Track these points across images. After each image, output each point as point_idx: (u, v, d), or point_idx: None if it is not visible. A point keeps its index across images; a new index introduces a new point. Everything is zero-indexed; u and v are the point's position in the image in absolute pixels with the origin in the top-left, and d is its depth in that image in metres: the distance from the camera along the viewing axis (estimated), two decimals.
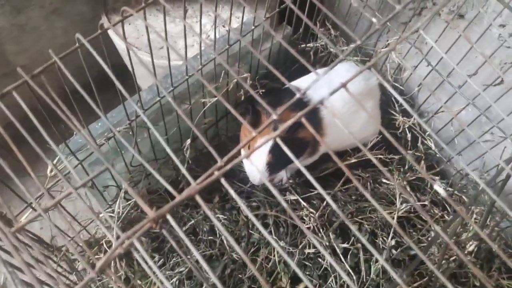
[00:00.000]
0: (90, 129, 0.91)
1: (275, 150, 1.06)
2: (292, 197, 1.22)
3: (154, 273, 0.47)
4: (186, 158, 1.10)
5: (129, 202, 1.15)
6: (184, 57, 0.72)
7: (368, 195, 0.49)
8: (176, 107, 0.54)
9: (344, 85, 0.52)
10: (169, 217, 0.46)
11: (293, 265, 0.45)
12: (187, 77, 0.94)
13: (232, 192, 0.49)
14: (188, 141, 1.07)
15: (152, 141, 1.04)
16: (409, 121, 1.24)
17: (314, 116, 1.11)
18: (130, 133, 0.95)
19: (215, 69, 1.04)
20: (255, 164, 1.04)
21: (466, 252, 1.01)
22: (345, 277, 0.44)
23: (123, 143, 0.52)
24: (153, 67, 0.81)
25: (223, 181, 0.49)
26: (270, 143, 1.05)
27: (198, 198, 0.48)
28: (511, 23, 0.97)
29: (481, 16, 1.02)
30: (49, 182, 0.91)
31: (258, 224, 0.48)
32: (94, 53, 0.56)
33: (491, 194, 0.50)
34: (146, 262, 0.48)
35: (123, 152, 0.99)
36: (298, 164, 0.49)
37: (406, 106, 0.53)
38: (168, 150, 0.51)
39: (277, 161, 1.07)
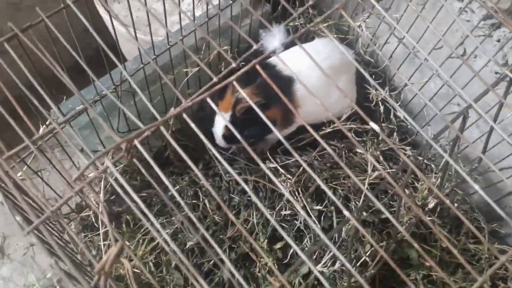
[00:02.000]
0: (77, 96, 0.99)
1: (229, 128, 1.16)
2: (271, 165, 1.30)
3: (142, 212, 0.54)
4: (170, 126, 1.18)
5: (117, 168, 1.23)
6: (165, 26, 0.80)
7: (340, 162, 0.58)
8: (160, 72, 0.62)
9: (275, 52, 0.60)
10: (137, 142, 0.54)
11: (273, 221, 0.53)
12: (168, 46, 1.02)
13: (195, 129, 0.57)
14: (172, 108, 1.15)
15: (138, 109, 1.12)
16: (381, 95, 1.32)
17: (287, 89, 1.19)
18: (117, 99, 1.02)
19: (196, 42, 1.11)
20: (215, 132, 1.18)
21: (426, 210, 1.09)
22: (318, 231, 0.53)
23: (114, 101, 0.60)
24: (135, 32, 0.89)
25: (185, 116, 0.58)
26: (227, 117, 1.16)
27: (162, 129, 0.56)
28: None
29: None
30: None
31: (244, 185, 0.56)
32: (81, 16, 0.63)
33: (439, 149, 0.58)
34: (123, 186, 0.56)
35: (110, 118, 1.07)
36: (247, 147, 0.57)
37: (374, 83, 0.61)
38: (152, 110, 0.59)
39: (232, 135, 1.18)
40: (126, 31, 1.18)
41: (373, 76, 1.36)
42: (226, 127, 1.18)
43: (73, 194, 0.54)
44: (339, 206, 0.55)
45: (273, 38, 0.61)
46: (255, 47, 0.62)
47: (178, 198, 0.53)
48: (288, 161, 1.30)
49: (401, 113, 0.95)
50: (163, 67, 1.13)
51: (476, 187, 0.56)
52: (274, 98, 1.15)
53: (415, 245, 0.56)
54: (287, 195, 0.56)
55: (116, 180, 0.57)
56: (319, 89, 1.23)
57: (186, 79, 1.14)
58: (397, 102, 1.32)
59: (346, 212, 0.54)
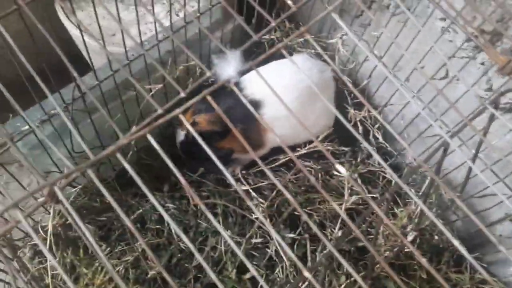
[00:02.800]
0: (26, 114, 0.90)
1: (184, 144, 1.20)
2: (243, 187, 1.22)
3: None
4: (132, 146, 1.09)
5: (75, 188, 1.13)
6: (122, 44, 0.72)
7: (316, 184, 0.50)
8: (132, 79, 0.53)
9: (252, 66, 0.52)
10: (57, 190, 0.46)
11: (239, 253, 0.45)
12: (127, 61, 0.94)
13: (159, 149, 0.49)
14: (134, 127, 1.06)
15: (96, 127, 1.03)
16: (360, 114, 1.25)
17: (251, 114, 1.12)
18: (70, 118, 0.94)
19: (160, 56, 1.03)
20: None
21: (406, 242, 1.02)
22: (290, 254, 0.44)
23: (67, 123, 0.52)
24: (85, 44, 0.80)
25: (149, 136, 0.49)
26: (183, 135, 1.18)
27: (89, 172, 0.47)
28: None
29: (425, 10, 1.04)
30: None
31: (208, 214, 0.48)
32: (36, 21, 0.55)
33: (431, 173, 0.51)
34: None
35: (63, 138, 0.98)
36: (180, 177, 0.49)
37: (360, 98, 0.53)
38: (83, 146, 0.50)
39: (188, 150, 1.21)
40: (90, 42, 1.09)
41: (352, 94, 1.29)
42: (181, 142, 1.21)
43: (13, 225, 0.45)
44: (320, 237, 0.47)
45: (228, 65, 0.53)
46: (208, 74, 0.54)
47: (134, 230, 0.45)
48: (261, 184, 1.23)
49: (393, 133, 0.88)
50: (124, 82, 1.05)
51: (473, 217, 0.49)
52: (234, 125, 1.11)
53: (395, 276, 0.48)
54: (260, 217, 0.48)
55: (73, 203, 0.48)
56: (295, 110, 1.16)
57: (151, 93, 1.05)
58: (377, 123, 1.25)
59: (327, 243, 0.46)
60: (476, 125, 1.07)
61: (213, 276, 0.42)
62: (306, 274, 0.48)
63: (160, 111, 0.52)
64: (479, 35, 0.63)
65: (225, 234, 0.49)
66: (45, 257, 1.13)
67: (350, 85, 0.57)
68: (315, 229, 0.46)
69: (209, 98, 0.52)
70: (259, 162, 0.52)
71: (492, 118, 0.78)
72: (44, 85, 0.58)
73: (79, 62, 1.06)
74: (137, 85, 0.53)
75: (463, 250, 0.48)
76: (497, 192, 0.72)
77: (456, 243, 0.50)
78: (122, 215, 0.45)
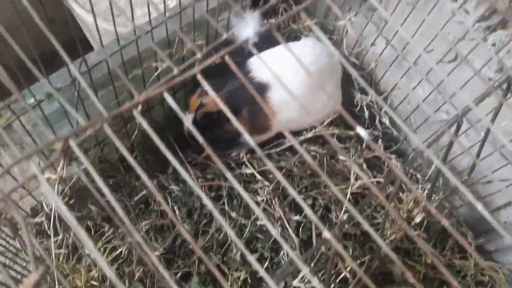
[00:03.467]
0: (32, 89, 0.89)
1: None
2: (248, 171, 1.21)
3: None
4: (138, 125, 1.08)
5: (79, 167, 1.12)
6: (131, 17, 0.71)
7: (321, 172, 0.48)
8: (153, 45, 0.52)
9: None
10: (73, 143, 0.45)
11: (238, 242, 0.44)
12: (135, 37, 0.92)
13: (145, 125, 0.48)
14: (139, 107, 1.04)
15: (104, 103, 1.01)
16: (367, 99, 1.24)
17: (260, 95, 1.11)
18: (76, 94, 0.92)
19: (168, 35, 1.02)
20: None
21: (413, 224, 1.02)
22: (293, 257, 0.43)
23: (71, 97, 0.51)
24: (96, 23, 0.79)
25: (165, 94, 0.48)
26: (190, 118, 1.17)
27: (106, 127, 0.46)
28: None
29: None
30: None
31: (205, 199, 0.47)
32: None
33: (435, 159, 0.50)
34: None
35: (68, 116, 0.97)
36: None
37: (364, 84, 0.52)
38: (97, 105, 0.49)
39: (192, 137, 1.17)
40: (94, 22, 1.07)
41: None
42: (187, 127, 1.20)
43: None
44: (318, 225, 0.46)
45: (246, 26, 0.51)
46: (225, 36, 0.53)
47: (158, 196, 0.43)
48: (266, 167, 1.21)
49: (396, 120, 0.87)
50: (131, 61, 1.03)
51: (479, 206, 0.48)
52: (240, 107, 1.13)
53: (399, 262, 0.47)
54: (258, 212, 0.47)
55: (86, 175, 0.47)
56: (303, 95, 1.16)
57: (156, 73, 1.04)
58: (383, 108, 1.24)
59: (326, 233, 0.46)
60: (486, 106, 1.06)
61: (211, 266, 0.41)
62: (326, 234, 0.48)
63: (176, 71, 0.51)
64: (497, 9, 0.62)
65: (226, 224, 0.47)
66: (47, 236, 1.12)
67: (355, 72, 0.56)
68: (318, 223, 0.45)
69: (227, 58, 0.51)
70: (257, 148, 0.49)
71: (499, 107, 0.77)
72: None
73: (83, 46, 1.05)
74: (159, 51, 0.52)
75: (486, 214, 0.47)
76: (496, 179, 0.72)
77: (479, 206, 0.49)
78: (145, 179, 0.43)
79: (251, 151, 1.27)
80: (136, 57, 1.02)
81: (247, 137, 0.47)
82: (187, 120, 1.18)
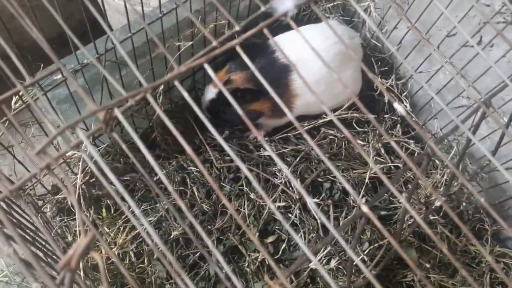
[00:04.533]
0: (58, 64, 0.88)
1: (214, 103, 1.19)
2: (266, 153, 1.21)
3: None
4: (159, 104, 1.08)
5: (99, 148, 1.13)
6: None
7: (325, 158, 0.48)
8: (191, 16, 0.52)
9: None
10: (118, 112, 0.45)
11: (284, 222, 0.44)
12: (161, 15, 0.92)
13: (186, 95, 0.48)
14: (161, 86, 1.05)
15: (125, 83, 1.02)
16: (386, 83, 1.24)
17: (284, 78, 1.11)
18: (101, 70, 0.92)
19: (192, 12, 1.01)
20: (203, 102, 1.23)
21: (433, 208, 1.02)
22: (331, 228, 0.44)
23: (97, 73, 0.50)
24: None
25: (176, 83, 0.48)
26: (214, 93, 1.18)
27: (149, 97, 0.46)
28: None
29: None
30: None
31: (246, 171, 0.47)
32: None
33: (469, 134, 0.50)
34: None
35: (93, 93, 0.97)
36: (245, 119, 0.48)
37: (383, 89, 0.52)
38: (139, 76, 0.49)
39: (214, 110, 1.21)
40: (115, 1, 1.07)
41: (379, 62, 1.28)
42: (211, 101, 1.20)
43: (37, 172, 0.44)
44: (355, 197, 0.46)
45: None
46: (262, 8, 0.53)
47: (166, 183, 0.44)
48: (284, 150, 1.22)
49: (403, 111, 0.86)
50: (152, 40, 1.03)
51: (482, 199, 0.48)
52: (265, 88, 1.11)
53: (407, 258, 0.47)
54: (287, 172, 0.47)
55: (95, 161, 0.47)
56: (324, 78, 1.15)
57: (178, 54, 1.04)
58: (403, 92, 1.23)
59: (364, 207, 0.46)
60: (506, 94, 1.05)
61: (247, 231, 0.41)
62: (365, 208, 0.48)
63: (214, 43, 0.51)
64: None
65: (263, 192, 0.47)
66: (69, 215, 1.13)
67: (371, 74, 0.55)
68: (353, 194, 0.45)
69: (266, 31, 0.51)
70: (297, 125, 0.50)
71: None
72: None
73: (99, 26, 1.05)
74: (198, 24, 0.52)
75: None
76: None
77: (482, 199, 0.49)
78: (157, 169, 0.43)
79: (269, 133, 1.27)
80: (159, 35, 1.02)
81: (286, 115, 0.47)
82: (210, 94, 1.18)
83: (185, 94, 0.47)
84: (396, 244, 0.44)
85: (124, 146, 0.47)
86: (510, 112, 1.04)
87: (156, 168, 0.44)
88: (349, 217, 1.09)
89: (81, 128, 0.45)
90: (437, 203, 1.00)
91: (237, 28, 0.52)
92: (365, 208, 0.47)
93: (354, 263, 0.96)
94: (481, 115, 0.80)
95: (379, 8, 1.18)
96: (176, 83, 0.48)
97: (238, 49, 0.50)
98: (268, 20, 0.51)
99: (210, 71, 0.49)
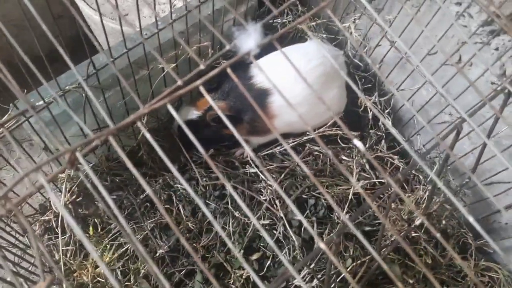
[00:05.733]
0: (40, 90, 0.90)
1: (191, 124, 1.20)
2: (252, 170, 1.23)
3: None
4: (143, 123, 1.09)
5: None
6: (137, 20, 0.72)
7: (311, 175, 0.50)
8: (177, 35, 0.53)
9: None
10: (79, 155, 0.46)
11: (268, 239, 0.46)
12: (141, 39, 0.94)
13: (148, 137, 0.49)
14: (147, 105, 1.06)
15: (109, 105, 1.03)
16: (370, 100, 1.25)
17: (261, 102, 1.14)
18: (84, 95, 0.94)
19: (174, 37, 1.03)
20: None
21: (413, 226, 1.03)
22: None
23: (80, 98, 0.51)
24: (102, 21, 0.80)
25: (169, 106, 0.50)
26: (196, 115, 1.20)
27: (111, 139, 0.48)
28: (466, 0, 0.98)
29: None
30: None
31: (229, 187, 0.48)
32: None
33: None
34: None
35: (76, 114, 0.99)
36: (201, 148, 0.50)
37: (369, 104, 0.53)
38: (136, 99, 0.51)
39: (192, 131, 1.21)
40: (104, 22, 1.09)
41: (362, 80, 1.29)
42: (187, 121, 1.21)
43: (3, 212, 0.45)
44: (314, 236, 0.48)
45: (248, 37, 0.53)
46: (227, 47, 0.55)
47: (156, 201, 0.45)
48: (269, 166, 1.23)
49: (389, 127, 0.88)
50: (137, 62, 1.05)
51: (463, 210, 0.49)
52: (243, 112, 1.19)
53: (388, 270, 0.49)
54: (275, 186, 0.49)
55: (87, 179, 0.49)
56: (305, 100, 1.17)
57: (162, 75, 1.06)
58: (387, 109, 1.25)
59: (321, 244, 0.47)
60: (486, 111, 1.07)
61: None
62: (322, 245, 0.49)
63: (179, 82, 0.53)
64: (501, 15, 0.63)
65: (247, 209, 0.49)
66: (56, 234, 1.15)
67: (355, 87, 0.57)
68: (338, 211, 0.47)
69: (229, 70, 0.53)
70: (280, 139, 0.52)
71: (507, 99, 0.78)
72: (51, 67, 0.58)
73: (90, 43, 1.07)
74: (159, 58, 0.53)
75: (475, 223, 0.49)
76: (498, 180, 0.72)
77: (463, 210, 0.51)
78: (144, 183, 0.45)
79: (254, 150, 1.29)
80: (143, 57, 1.04)
81: (247, 148, 0.49)
82: (189, 115, 1.21)
83: (147, 135, 0.48)
84: (377, 256, 0.45)
85: (89, 185, 0.48)
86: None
87: (145, 186, 0.46)
88: (309, 254, 1.11)
89: (44, 172, 0.47)
90: (418, 221, 1.01)
91: (201, 67, 0.54)
92: (322, 245, 0.48)
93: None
94: (455, 135, 0.82)
95: (360, 29, 1.20)
96: (139, 123, 0.49)
97: (201, 89, 0.52)
98: (231, 60, 0.53)
99: (172, 111, 0.50)
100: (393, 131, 1.20)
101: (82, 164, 0.48)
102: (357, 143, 0.53)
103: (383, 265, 0.45)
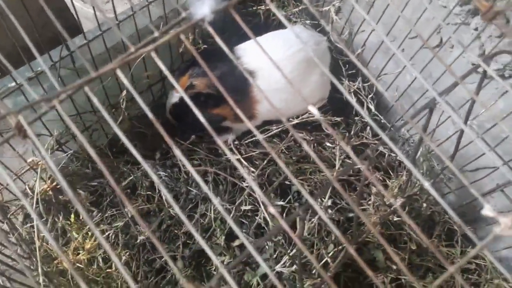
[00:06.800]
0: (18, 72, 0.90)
1: (177, 107, 1.21)
2: (235, 157, 1.22)
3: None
4: (122, 110, 1.09)
5: (67, 153, 1.14)
6: None
7: (314, 155, 0.49)
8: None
9: None
10: (21, 118, 0.46)
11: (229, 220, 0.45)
12: (117, 22, 0.93)
13: (95, 102, 0.49)
14: (124, 92, 1.06)
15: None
16: (354, 86, 1.24)
17: (245, 84, 1.12)
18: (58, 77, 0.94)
19: (151, 21, 1.03)
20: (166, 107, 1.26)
21: (388, 211, 1.02)
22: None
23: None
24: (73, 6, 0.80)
25: (86, 89, 0.49)
26: (177, 97, 1.20)
27: (57, 105, 0.47)
28: None
29: None
30: None
31: (197, 176, 0.48)
32: None
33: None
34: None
35: None
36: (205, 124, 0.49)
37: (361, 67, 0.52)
38: None
39: (178, 113, 1.22)
40: (84, 8, 1.08)
41: (346, 65, 1.28)
42: (173, 104, 1.21)
43: None
44: (265, 202, 0.47)
45: (202, 3, 0.52)
46: (183, 14, 0.54)
47: (123, 197, 0.45)
48: (252, 153, 1.22)
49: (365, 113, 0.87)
50: (116, 47, 1.04)
51: (436, 195, 0.48)
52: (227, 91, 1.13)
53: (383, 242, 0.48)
54: (252, 185, 0.48)
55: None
56: (287, 86, 1.16)
57: (139, 60, 1.05)
58: (370, 94, 1.24)
59: (271, 208, 0.46)
60: (467, 93, 1.05)
61: (202, 242, 0.42)
62: (271, 209, 0.48)
63: (132, 49, 0.52)
64: None
65: (217, 202, 0.48)
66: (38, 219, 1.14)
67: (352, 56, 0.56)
68: (304, 193, 0.46)
69: (183, 37, 0.52)
70: (254, 130, 0.51)
71: (483, 77, 0.77)
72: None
73: (76, 33, 1.06)
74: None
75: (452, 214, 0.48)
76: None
77: (442, 201, 0.50)
78: (109, 178, 0.44)
79: (238, 137, 1.28)
80: (120, 43, 1.03)
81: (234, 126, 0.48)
82: (174, 99, 1.20)
83: (95, 100, 0.48)
84: (343, 239, 0.44)
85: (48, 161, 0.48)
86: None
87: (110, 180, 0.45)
88: (274, 228, 1.10)
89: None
90: (396, 205, 1.00)
91: (156, 34, 0.53)
92: (272, 210, 0.47)
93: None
94: (428, 115, 0.81)
95: (342, 12, 1.19)
96: (86, 88, 0.49)
97: (153, 54, 0.51)
98: (184, 26, 0.52)
99: (121, 76, 0.49)
100: (320, 118, 1.19)
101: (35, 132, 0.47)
102: (312, 109, 0.52)
103: (350, 250, 0.44)
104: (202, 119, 0.48)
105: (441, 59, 0.58)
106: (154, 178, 0.46)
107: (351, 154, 0.49)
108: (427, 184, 0.49)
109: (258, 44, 0.54)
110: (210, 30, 0.53)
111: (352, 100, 0.54)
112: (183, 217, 0.44)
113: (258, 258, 0.43)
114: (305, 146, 0.49)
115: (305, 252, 0.45)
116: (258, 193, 0.41)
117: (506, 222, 0.45)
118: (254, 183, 1.11)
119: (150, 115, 0.48)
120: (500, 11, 0.52)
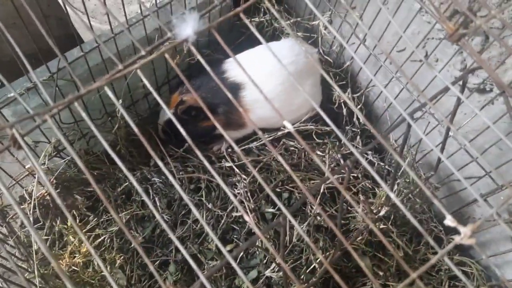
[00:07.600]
0: (14, 84, 0.94)
1: (169, 123, 1.26)
2: (227, 164, 1.26)
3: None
4: (118, 119, 1.13)
5: (64, 160, 1.18)
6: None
7: (286, 165, 0.52)
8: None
9: None
10: (15, 132, 0.49)
11: (212, 235, 0.48)
12: (112, 35, 0.97)
13: (83, 115, 0.52)
14: (120, 101, 1.10)
15: (84, 100, 1.07)
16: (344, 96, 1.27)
17: (233, 94, 1.17)
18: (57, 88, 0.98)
19: (146, 34, 1.07)
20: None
21: (379, 217, 1.05)
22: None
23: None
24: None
25: (76, 104, 0.53)
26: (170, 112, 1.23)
27: (48, 119, 0.51)
28: None
29: None
30: None
31: (178, 188, 0.51)
32: None
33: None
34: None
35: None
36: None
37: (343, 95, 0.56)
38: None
39: (170, 130, 1.27)
40: (85, 20, 1.13)
41: (337, 76, 1.32)
42: (165, 121, 1.26)
43: None
44: (239, 208, 0.50)
45: (186, 25, 0.56)
46: (168, 35, 0.58)
47: (146, 198, 0.48)
48: (244, 161, 1.26)
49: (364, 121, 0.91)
50: (110, 59, 1.08)
51: (435, 201, 0.52)
52: (216, 105, 1.21)
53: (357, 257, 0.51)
54: (235, 202, 0.52)
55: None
56: (278, 97, 1.21)
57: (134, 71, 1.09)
58: (359, 104, 1.27)
59: (246, 217, 0.50)
60: (460, 110, 1.09)
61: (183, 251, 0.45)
62: (246, 217, 0.52)
63: (120, 66, 0.56)
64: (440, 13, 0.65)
65: (202, 220, 0.51)
66: (35, 223, 1.18)
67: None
68: (282, 207, 0.49)
69: (167, 56, 0.56)
70: (233, 145, 0.55)
71: (459, 98, 0.80)
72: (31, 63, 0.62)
73: (76, 43, 1.11)
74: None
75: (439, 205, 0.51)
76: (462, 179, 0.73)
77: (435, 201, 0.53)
78: (96, 188, 0.48)
79: (231, 145, 1.32)
80: (117, 54, 1.08)
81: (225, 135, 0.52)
82: (166, 116, 1.24)
83: (83, 114, 0.51)
84: (314, 246, 0.47)
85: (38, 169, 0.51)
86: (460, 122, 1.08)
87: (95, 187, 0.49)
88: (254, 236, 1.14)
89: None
90: (381, 212, 1.03)
91: (142, 52, 0.57)
92: (247, 218, 0.50)
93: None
94: (406, 128, 0.84)
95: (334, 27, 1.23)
96: (76, 104, 0.52)
97: (139, 72, 0.55)
98: (169, 46, 0.56)
99: (109, 93, 0.53)
100: (294, 133, 1.22)
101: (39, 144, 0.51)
102: (287, 124, 0.56)
103: (326, 265, 0.47)
104: (187, 138, 0.52)
105: (424, 73, 0.61)
106: (135, 184, 0.50)
107: (322, 166, 0.53)
108: (392, 195, 0.52)
109: (237, 61, 0.57)
110: (193, 49, 0.57)
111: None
112: (164, 224, 0.47)
113: (235, 265, 0.46)
114: (280, 158, 0.53)
115: (281, 264, 0.48)
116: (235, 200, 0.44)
117: (466, 232, 0.49)
118: (247, 194, 1.15)
119: (136, 130, 0.52)
120: (464, 33, 0.56)
